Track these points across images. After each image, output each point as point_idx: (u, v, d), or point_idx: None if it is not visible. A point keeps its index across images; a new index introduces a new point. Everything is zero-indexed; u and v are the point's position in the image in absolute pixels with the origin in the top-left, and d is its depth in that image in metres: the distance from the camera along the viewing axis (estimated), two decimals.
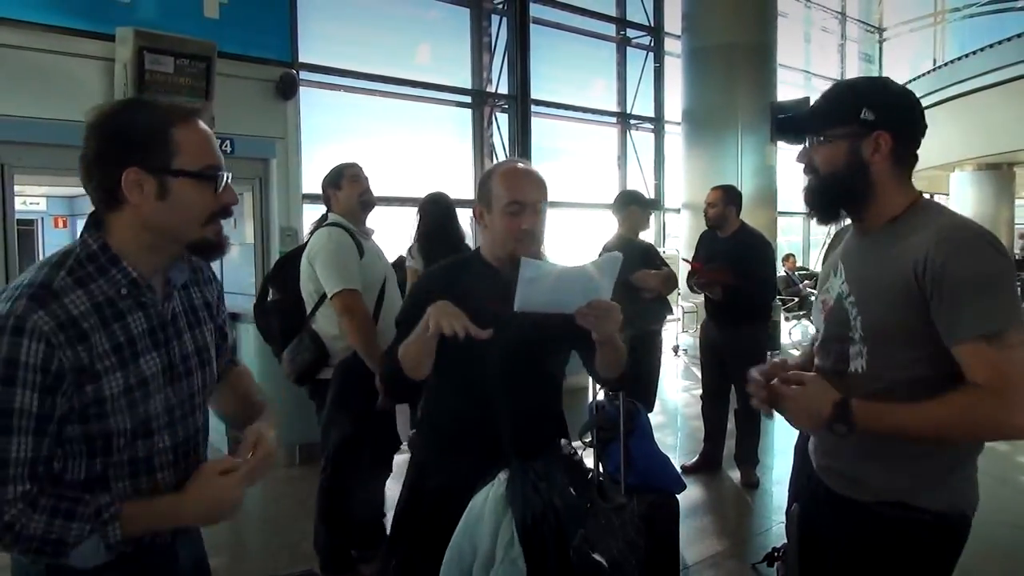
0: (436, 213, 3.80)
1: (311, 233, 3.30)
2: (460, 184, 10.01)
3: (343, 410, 3.09)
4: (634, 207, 4.68)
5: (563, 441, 2.03)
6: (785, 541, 2.60)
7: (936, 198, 14.61)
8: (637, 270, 4.20)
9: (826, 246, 2.42)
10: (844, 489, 1.60)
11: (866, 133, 1.51)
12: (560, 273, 1.69)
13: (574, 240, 10.17)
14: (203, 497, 1.30)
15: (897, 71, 16.79)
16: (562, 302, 1.69)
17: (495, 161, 10.19)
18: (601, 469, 3.08)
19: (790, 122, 1.72)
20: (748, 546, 3.68)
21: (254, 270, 7.95)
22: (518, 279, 1.63)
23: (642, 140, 12.27)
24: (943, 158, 14.05)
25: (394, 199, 9.19)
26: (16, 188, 6.25)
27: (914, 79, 14.78)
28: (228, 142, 7.33)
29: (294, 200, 8.00)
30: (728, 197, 4.55)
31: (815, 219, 1.68)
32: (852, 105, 1.53)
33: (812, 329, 1.75)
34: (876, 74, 17.96)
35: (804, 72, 15.27)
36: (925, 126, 1.57)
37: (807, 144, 1.61)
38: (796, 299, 11.45)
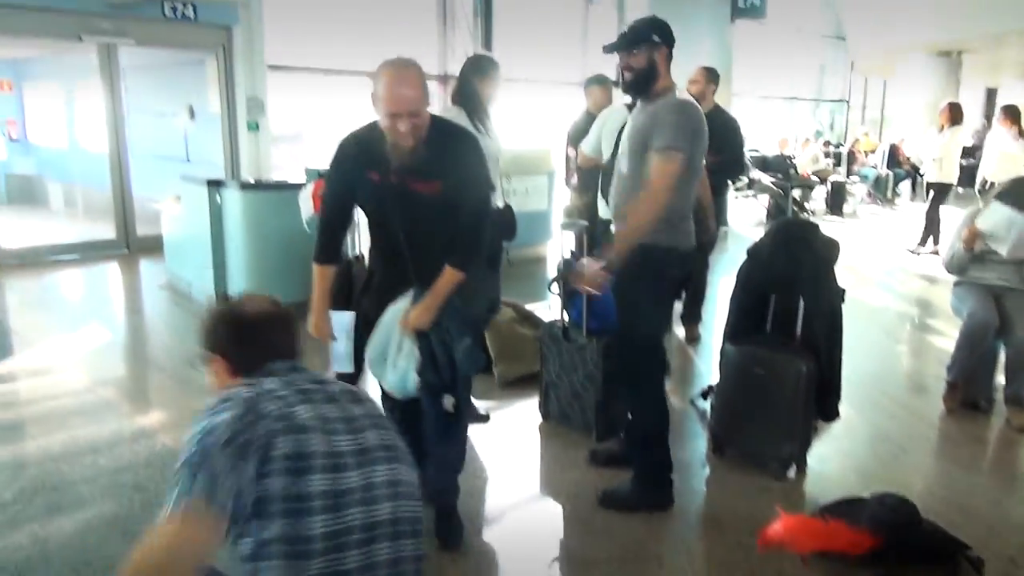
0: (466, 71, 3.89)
1: None
2: (424, 57, 10.00)
3: None
4: (594, 87, 5.26)
5: None
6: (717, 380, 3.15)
7: (886, 83, 14.93)
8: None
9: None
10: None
11: (656, 47, 2.65)
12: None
13: (540, 115, 10.32)
14: None
15: None
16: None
17: (457, 33, 10.15)
18: (566, 316, 3.54)
19: (613, 44, 2.69)
20: (688, 385, 4.25)
21: (221, 140, 8.03)
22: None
23: (607, 18, 12.22)
24: (894, 42, 14.31)
25: (356, 72, 9.18)
26: None
27: None
28: (191, 7, 7.24)
29: (258, 69, 7.97)
30: (710, 76, 5.00)
31: (633, 96, 2.81)
32: (648, 32, 2.66)
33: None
34: None
35: None
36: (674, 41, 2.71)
37: (623, 55, 2.68)
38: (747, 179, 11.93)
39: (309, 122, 9.87)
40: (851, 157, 13.96)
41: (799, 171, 11.80)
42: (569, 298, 3.50)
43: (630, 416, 2.99)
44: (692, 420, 3.79)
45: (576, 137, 5.01)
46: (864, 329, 5.42)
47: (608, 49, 2.72)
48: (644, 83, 2.67)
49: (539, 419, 3.68)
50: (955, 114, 8.25)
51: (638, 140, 2.66)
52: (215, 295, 5.35)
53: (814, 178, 12.06)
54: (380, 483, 1.47)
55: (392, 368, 2.44)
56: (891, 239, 9.56)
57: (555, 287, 3.54)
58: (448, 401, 2.45)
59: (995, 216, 3.72)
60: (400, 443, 1.60)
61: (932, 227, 8.51)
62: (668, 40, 2.68)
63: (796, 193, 11.07)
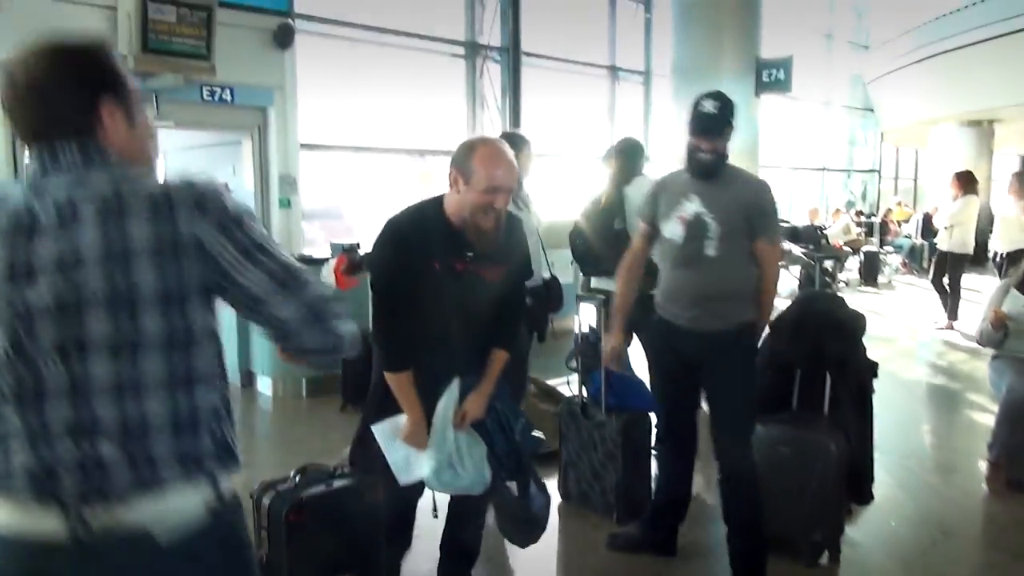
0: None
1: None
2: (451, 135, 10.24)
3: None
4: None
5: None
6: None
7: (918, 152, 14.89)
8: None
9: (650, 195, 2.84)
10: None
11: (731, 132, 2.70)
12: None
13: (564, 190, 10.43)
14: None
15: (885, 26, 16.92)
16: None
17: (486, 112, 10.41)
18: (584, 392, 3.47)
19: (713, 127, 2.67)
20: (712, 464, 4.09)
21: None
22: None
23: (632, 92, 12.46)
24: (925, 113, 14.33)
25: (388, 149, 9.43)
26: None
27: (902, 34, 14.97)
28: (228, 91, 7.52)
29: (292, 148, 8.21)
30: None
31: (708, 179, 2.69)
32: (729, 117, 2.68)
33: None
34: (865, 29, 18.05)
35: (793, 26, 15.36)
36: None
37: (716, 138, 2.66)
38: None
39: (344, 197, 10.10)
40: (884, 227, 13.82)
41: (830, 241, 11.68)
42: (587, 373, 3.43)
43: (738, 508, 2.80)
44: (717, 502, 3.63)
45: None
46: (899, 405, 5.22)
47: (700, 131, 2.65)
48: (721, 166, 2.69)
49: (558, 499, 3.56)
50: (966, 182, 8.06)
51: (735, 223, 2.64)
52: (239, 373, 5.38)
53: (846, 248, 11.92)
54: None
55: (461, 469, 2.24)
56: (927, 310, 9.34)
57: (573, 362, 3.48)
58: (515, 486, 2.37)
59: (1018, 305, 3.68)
60: None
61: (947, 298, 8.17)
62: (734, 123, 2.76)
63: (827, 264, 10.93)
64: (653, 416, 3.33)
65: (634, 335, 3.73)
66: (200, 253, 1.18)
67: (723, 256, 2.64)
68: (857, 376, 3.08)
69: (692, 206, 2.67)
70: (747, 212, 2.64)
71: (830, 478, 2.94)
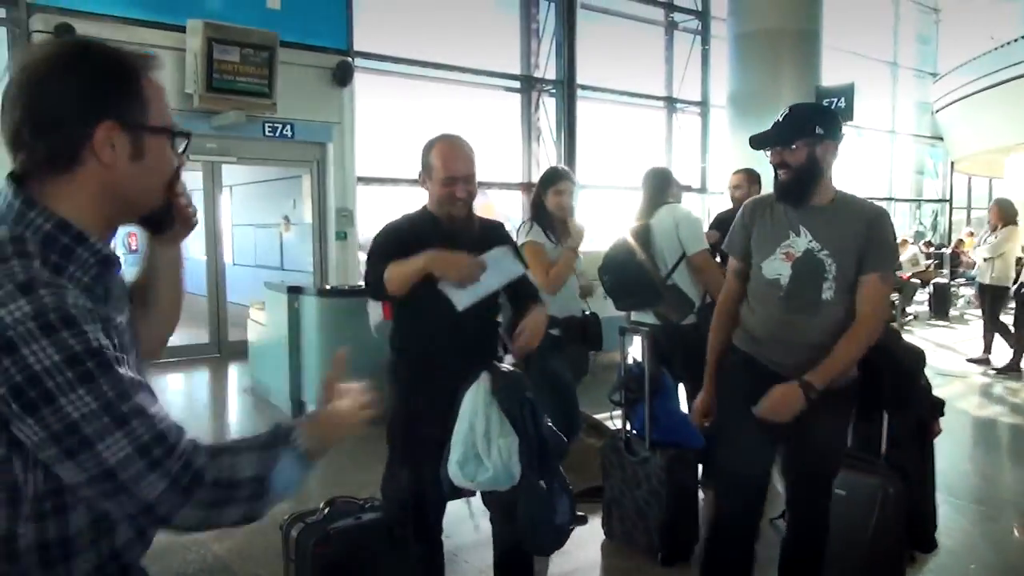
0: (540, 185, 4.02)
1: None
2: (509, 167, 10.33)
3: None
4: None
5: (509, 358, 2.48)
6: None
7: (992, 181, 14.38)
8: None
9: (740, 224, 2.64)
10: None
11: (818, 142, 2.23)
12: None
13: (619, 222, 10.38)
14: (349, 406, 1.25)
15: (953, 52, 16.43)
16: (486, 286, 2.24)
17: (542, 145, 10.47)
18: (628, 426, 3.38)
19: (765, 136, 2.30)
20: (768, 505, 3.92)
21: (312, 248, 8.42)
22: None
23: (689, 124, 12.38)
24: (998, 141, 13.80)
25: None
26: None
27: (971, 60, 14.52)
28: (289, 127, 7.76)
29: (349, 182, 8.42)
30: (752, 178, 4.79)
31: (789, 202, 2.29)
32: (809, 123, 2.25)
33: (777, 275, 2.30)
34: (933, 55, 17.60)
35: (855, 54, 15.08)
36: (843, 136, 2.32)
37: (777, 149, 2.26)
38: None
39: None
40: (955, 258, 13.28)
41: (897, 274, 11.27)
42: (631, 407, 3.35)
43: (800, 568, 2.54)
44: (771, 545, 3.47)
45: None
46: (967, 445, 4.96)
47: (759, 143, 2.31)
48: (804, 185, 2.25)
49: (602, 537, 3.46)
50: (1006, 212, 7.70)
51: (850, 260, 2.23)
52: (291, 401, 5.44)
53: (914, 280, 11.49)
54: None
55: (487, 460, 2.17)
56: (1000, 344, 8.88)
57: (616, 395, 3.40)
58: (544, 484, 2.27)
59: None
60: None
61: (989, 335, 7.78)
62: (834, 133, 2.27)
63: (894, 297, 10.54)
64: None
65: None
66: None
67: (841, 300, 2.25)
68: (917, 414, 2.92)
69: (801, 241, 2.27)
70: (860, 244, 2.22)
71: (887, 523, 2.78)
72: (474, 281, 2.21)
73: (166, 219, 1.19)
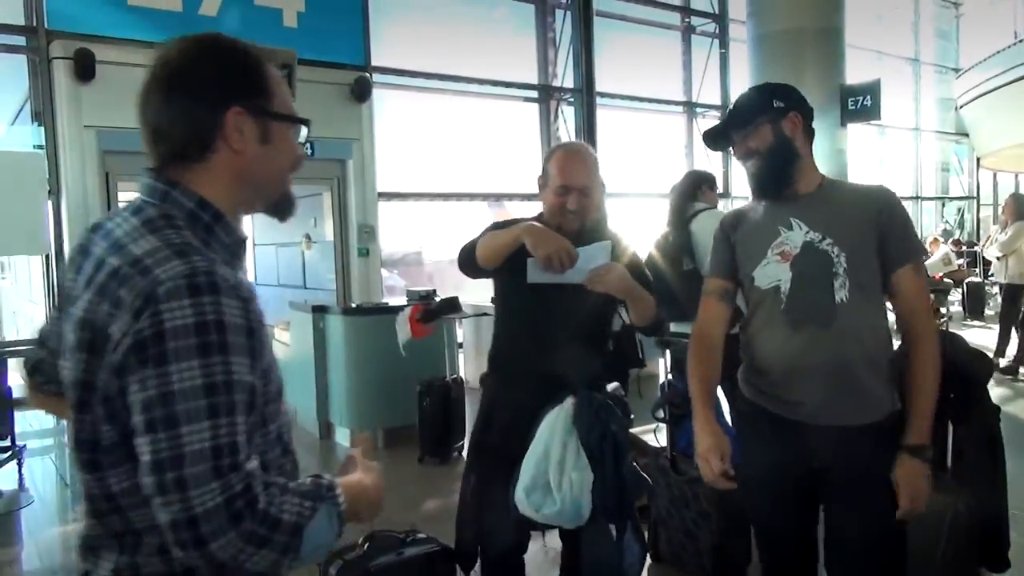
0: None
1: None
2: (528, 179, 10.23)
3: None
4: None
5: (615, 384, 2.32)
6: None
7: (1019, 177, 14.08)
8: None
9: (720, 237, 2.48)
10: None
11: (782, 115, 1.89)
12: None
13: (642, 229, 10.25)
14: (375, 484, 1.17)
15: (975, 48, 16.17)
16: (567, 276, 2.06)
17: None
18: (672, 444, 3.24)
19: (718, 129, 2.05)
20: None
21: (333, 266, 8.34)
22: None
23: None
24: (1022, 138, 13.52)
25: (464, 194, 9.46)
26: (120, 195, 6.74)
27: (994, 55, 14.25)
28: (309, 145, 7.67)
29: (370, 198, 8.34)
30: None
31: (769, 194, 1.96)
32: (765, 99, 1.92)
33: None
34: (954, 51, 17.34)
35: (876, 52, 14.86)
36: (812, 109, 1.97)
37: (740, 137, 1.95)
38: None
39: (422, 244, 10.20)
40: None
41: (930, 274, 11.03)
42: (676, 425, 3.20)
43: None
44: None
45: None
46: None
47: (713, 138, 2.07)
48: (780, 169, 1.89)
49: (649, 559, 3.32)
50: (1020, 207, 7.41)
51: (866, 248, 1.85)
52: (318, 422, 5.34)
53: (947, 280, 11.22)
54: None
55: (557, 492, 2.00)
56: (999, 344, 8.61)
57: (660, 412, 3.26)
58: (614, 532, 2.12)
59: None
60: None
61: (1006, 335, 7.44)
62: (796, 104, 1.92)
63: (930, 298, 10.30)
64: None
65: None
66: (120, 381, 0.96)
67: (858, 301, 1.84)
68: (985, 424, 2.75)
69: (796, 235, 1.89)
70: (875, 234, 1.84)
71: (955, 541, 2.61)
72: (558, 270, 2.04)
73: (289, 207, 1.23)
